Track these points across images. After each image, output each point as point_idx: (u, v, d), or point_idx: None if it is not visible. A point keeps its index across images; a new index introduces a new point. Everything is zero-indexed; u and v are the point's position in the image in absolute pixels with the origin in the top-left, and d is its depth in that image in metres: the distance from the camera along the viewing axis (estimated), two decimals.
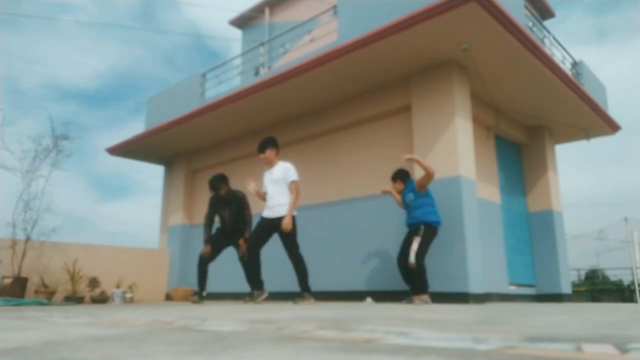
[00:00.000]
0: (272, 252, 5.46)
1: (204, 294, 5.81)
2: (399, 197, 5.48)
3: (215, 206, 5.91)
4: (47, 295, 6.95)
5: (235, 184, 6.14)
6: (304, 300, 4.91)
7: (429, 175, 4.96)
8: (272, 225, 5.12)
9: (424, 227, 5.05)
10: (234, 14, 10.37)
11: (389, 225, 6.15)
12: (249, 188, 5.32)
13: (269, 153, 5.31)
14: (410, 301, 5.07)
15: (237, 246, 5.79)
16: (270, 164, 5.34)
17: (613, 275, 14.41)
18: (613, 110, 7.98)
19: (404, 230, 5.99)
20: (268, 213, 5.17)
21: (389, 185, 5.66)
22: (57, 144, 7.17)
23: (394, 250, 6.03)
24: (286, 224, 4.95)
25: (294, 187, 5.11)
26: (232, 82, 8.03)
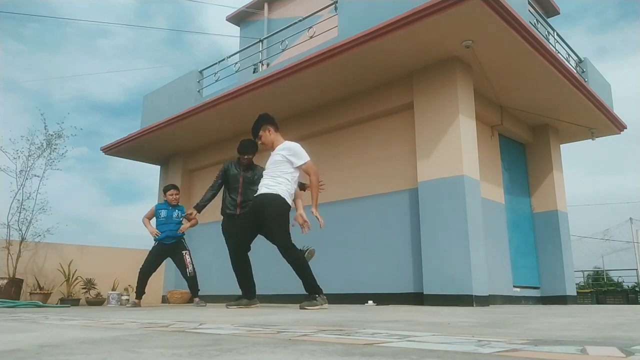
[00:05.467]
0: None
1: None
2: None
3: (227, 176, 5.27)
4: (42, 297, 6.86)
5: None
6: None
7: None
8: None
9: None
10: (232, 10, 10.27)
11: (391, 226, 6.04)
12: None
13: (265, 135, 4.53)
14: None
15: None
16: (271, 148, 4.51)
17: (618, 277, 14.35)
18: (618, 113, 7.86)
19: (406, 231, 5.89)
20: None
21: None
22: (51, 143, 7.09)
23: (397, 252, 5.93)
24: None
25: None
26: (230, 79, 7.92)
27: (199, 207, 5.25)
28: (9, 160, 7.12)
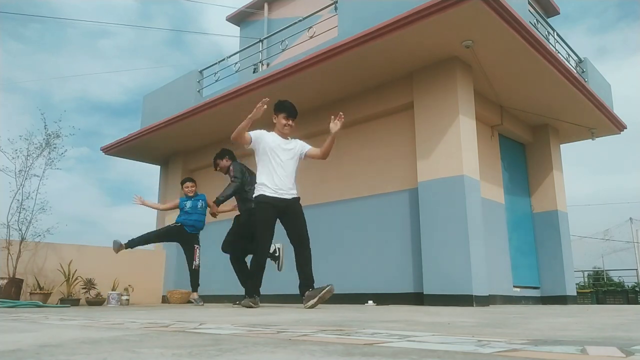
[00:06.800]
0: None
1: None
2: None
3: None
4: (42, 297, 6.85)
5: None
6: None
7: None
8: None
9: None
10: (232, 10, 10.27)
11: (391, 226, 6.04)
12: None
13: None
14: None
15: None
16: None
17: (618, 277, 14.36)
18: (618, 113, 7.86)
19: (406, 231, 5.89)
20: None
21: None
22: (50, 142, 7.08)
23: (397, 252, 5.93)
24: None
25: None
26: (230, 79, 7.92)
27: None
28: (8, 160, 7.11)
